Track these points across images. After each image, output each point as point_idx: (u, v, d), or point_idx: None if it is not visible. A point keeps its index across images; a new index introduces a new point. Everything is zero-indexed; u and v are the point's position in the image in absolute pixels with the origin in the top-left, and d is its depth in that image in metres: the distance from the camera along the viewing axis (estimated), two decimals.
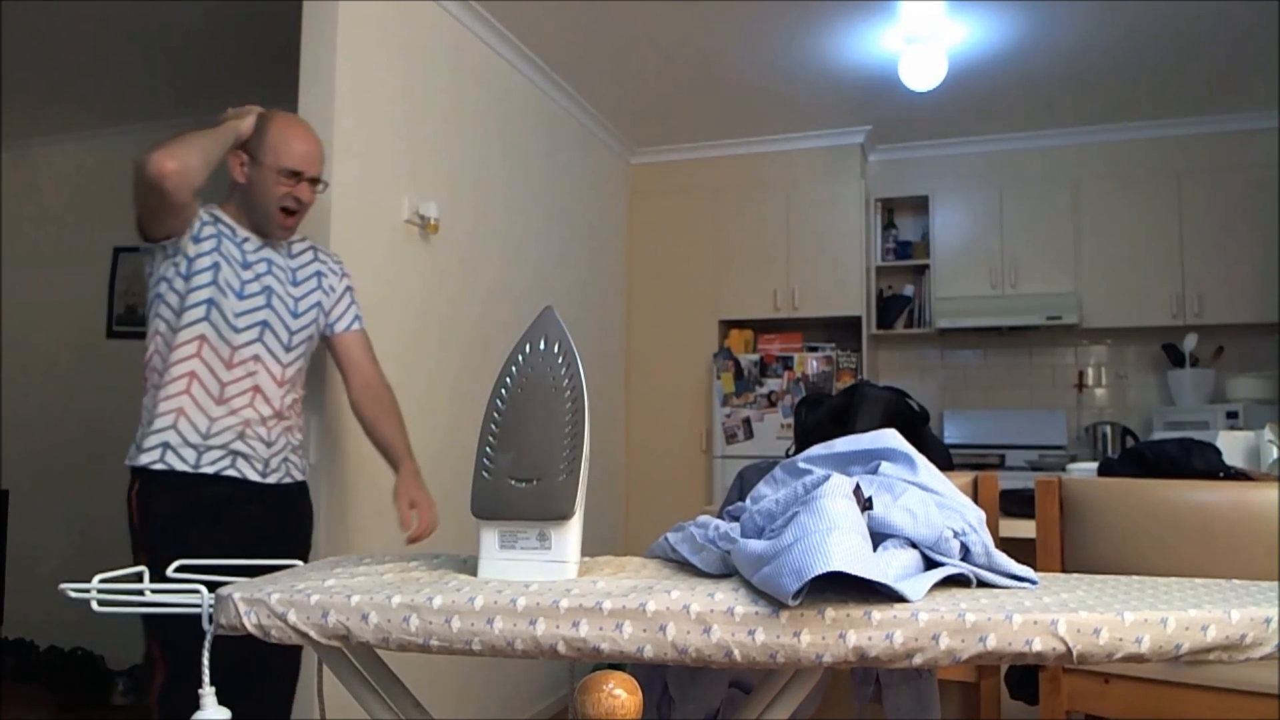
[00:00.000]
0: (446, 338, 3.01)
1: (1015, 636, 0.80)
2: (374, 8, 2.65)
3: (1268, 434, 2.39)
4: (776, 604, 0.83)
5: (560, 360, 1.01)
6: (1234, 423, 3.94)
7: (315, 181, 1.98)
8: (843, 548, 0.83)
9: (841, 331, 4.60)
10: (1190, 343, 4.21)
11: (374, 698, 1.03)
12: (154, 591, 0.99)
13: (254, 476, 1.90)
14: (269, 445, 1.93)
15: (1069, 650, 0.79)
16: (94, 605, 0.98)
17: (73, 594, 0.99)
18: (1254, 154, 4.22)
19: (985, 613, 0.81)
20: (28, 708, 3.63)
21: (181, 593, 0.98)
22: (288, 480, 1.99)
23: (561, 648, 0.85)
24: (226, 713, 0.96)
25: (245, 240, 1.94)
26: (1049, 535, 1.89)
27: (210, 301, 1.85)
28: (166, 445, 1.81)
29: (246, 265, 1.92)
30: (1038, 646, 0.80)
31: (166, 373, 1.83)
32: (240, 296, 1.90)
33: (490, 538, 1.01)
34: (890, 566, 0.90)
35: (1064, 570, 1.86)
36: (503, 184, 3.43)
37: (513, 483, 1.00)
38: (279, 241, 2.01)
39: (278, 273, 1.98)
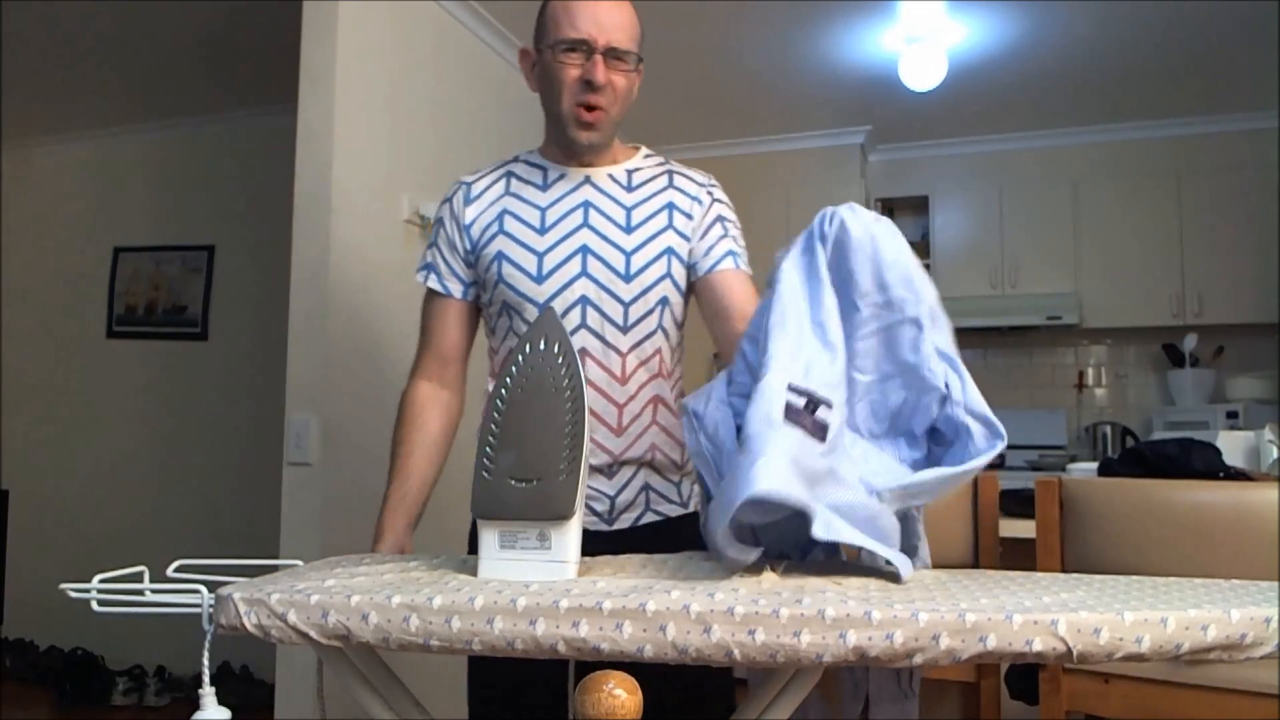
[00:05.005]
0: None
1: (1015, 636, 0.80)
2: (374, 8, 2.65)
3: (1268, 434, 2.39)
4: (776, 604, 0.83)
5: (560, 360, 1.02)
6: (1234, 423, 3.95)
7: (619, 55, 1.38)
8: (766, 474, 0.88)
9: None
10: (1190, 343, 4.21)
11: (374, 698, 1.03)
12: (154, 592, 0.99)
13: (595, 524, 1.41)
14: (611, 476, 1.42)
15: (1069, 650, 0.79)
16: (94, 605, 0.98)
17: (73, 594, 0.99)
18: (1254, 154, 4.22)
19: (985, 613, 0.81)
20: (28, 708, 3.64)
21: (181, 593, 0.98)
22: (647, 520, 1.44)
23: (561, 648, 0.85)
24: (226, 713, 0.96)
25: (556, 181, 1.47)
26: (1049, 535, 1.89)
27: (506, 305, 1.45)
28: None
29: (546, 228, 1.43)
30: (1038, 646, 0.80)
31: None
32: (539, 279, 1.41)
33: (490, 538, 1.01)
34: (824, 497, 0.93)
35: (1064, 570, 1.86)
36: None
37: (513, 483, 1.00)
38: (592, 152, 1.44)
39: (599, 218, 1.43)
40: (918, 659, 0.81)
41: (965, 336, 5.27)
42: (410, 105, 2.84)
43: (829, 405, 0.97)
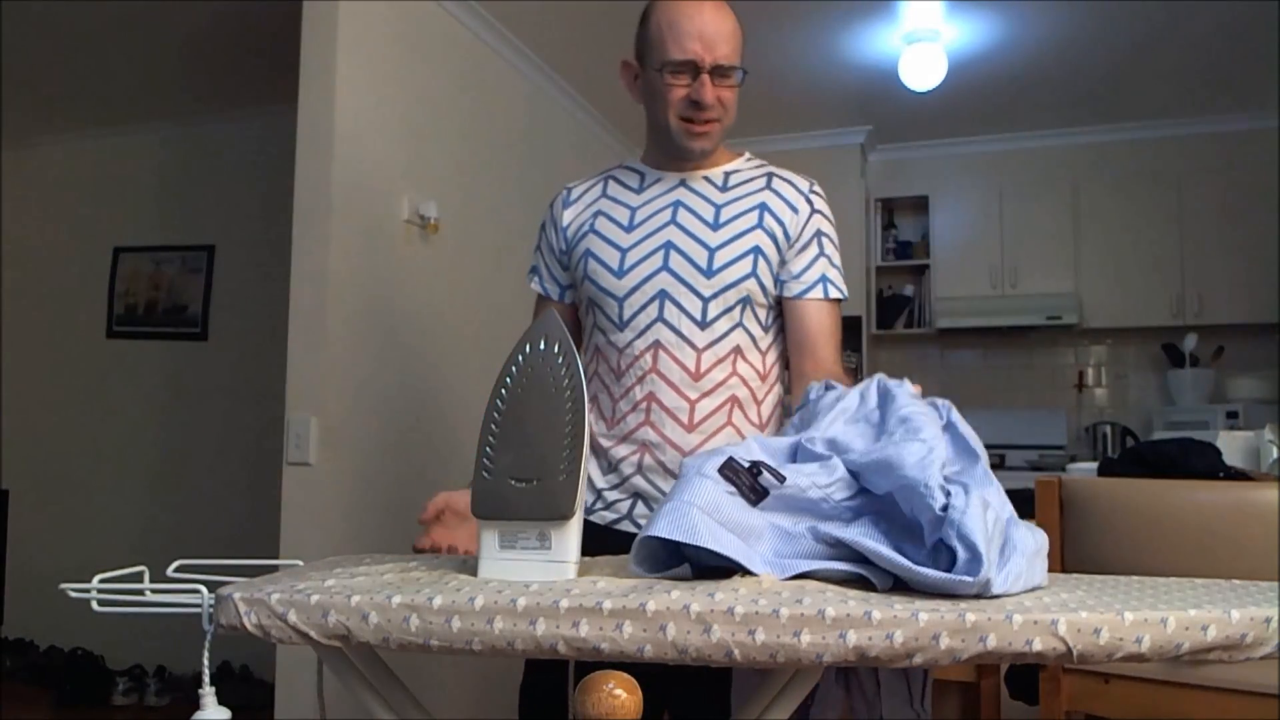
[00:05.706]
0: (446, 338, 3.01)
1: (1015, 636, 0.80)
2: (374, 8, 2.65)
3: (1268, 434, 2.39)
4: (776, 604, 0.83)
5: (560, 360, 1.02)
6: (1234, 423, 3.95)
7: (725, 73, 1.38)
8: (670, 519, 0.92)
9: (841, 331, 4.60)
10: (1190, 343, 4.21)
11: (374, 698, 1.03)
12: (154, 592, 0.99)
13: None
14: None
15: (1069, 650, 0.79)
16: (94, 605, 0.98)
17: (73, 594, 0.99)
18: (1254, 154, 4.22)
19: (985, 613, 0.81)
20: (28, 708, 3.64)
21: (181, 593, 0.98)
22: None
23: (561, 648, 0.85)
24: (226, 713, 0.96)
25: (652, 184, 1.49)
26: (1049, 535, 1.89)
27: (590, 302, 1.47)
28: None
29: (633, 226, 1.45)
30: (1038, 646, 0.80)
31: None
32: (619, 273, 1.42)
33: (490, 538, 1.01)
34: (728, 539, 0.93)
35: (1064, 570, 1.86)
36: (503, 184, 3.43)
37: (513, 483, 1.00)
38: (701, 158, 1.46)
39: (687, 215, 1.44)
40: (918, 659, 0.81)
41: (965, 336, 5.24)
42: (410, 105, 2.84)
43: (779, 480, 0.98)
